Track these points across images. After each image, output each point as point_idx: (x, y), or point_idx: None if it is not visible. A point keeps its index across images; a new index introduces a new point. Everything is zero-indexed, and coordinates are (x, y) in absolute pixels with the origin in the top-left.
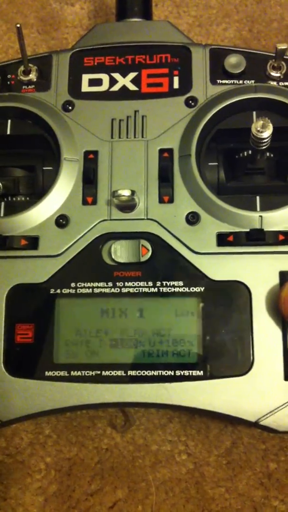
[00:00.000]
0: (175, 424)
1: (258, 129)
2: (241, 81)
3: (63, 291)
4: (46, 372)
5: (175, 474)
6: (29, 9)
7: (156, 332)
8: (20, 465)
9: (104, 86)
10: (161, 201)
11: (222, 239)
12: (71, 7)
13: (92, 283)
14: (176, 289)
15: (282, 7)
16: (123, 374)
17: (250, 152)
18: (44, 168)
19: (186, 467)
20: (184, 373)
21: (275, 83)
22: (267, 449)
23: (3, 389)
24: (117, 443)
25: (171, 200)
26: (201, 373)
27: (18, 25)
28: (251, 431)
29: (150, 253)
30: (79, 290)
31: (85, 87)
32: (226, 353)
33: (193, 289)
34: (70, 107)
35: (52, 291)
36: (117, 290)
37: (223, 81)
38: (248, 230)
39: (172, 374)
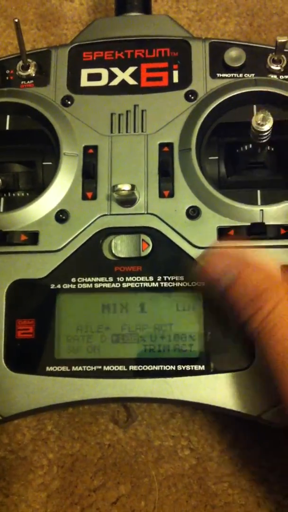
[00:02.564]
0: (177, 420)
1: (259, 122)
2: (241, 75)
3: (63, 286)
4: (47, 368)
5: (178, 469)
6: (28, 5)
7: (158, 327)
8: (23, 461)
9: (103, 81)
10: (161, 195)
11: (223, 233)
12: (70, 3)
13: (92, 278)
14: (177, 284)
15: (283, 1)
16: (125, 369)
17: (250, 146)
18: (43, 163)
19: (189, 463)
20: (185, 367)
21: (275, 76)
22: (270, 444)
23: (5, 384)
24: (119, 438)
25: (171, 195)
26: (203, 367)
27: (16, 20)
28: (254, 425)
29: (150, 248)
30: (80, 285)
31: (84, 82)
32: (227, 347)
33: (194, 284)
34: (69, 102)
35: (52, 286)
36: (117, 285)
37: (223, 75)
38: (249, 224)
39: (174, 368)
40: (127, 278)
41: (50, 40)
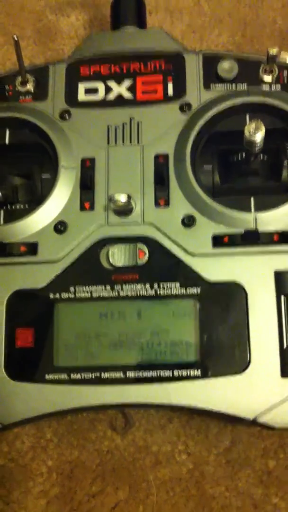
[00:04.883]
0: (174, 424)
1: (251, 131)
2: (234, 85)
3: (62, 296)
4: (47, 376)
5: (175, 474)
6: (26, 21)
7: (154, 333)
8: (22, 469)
9: (100, 95)
10: (157, 204)
11: (218, 240)
12: (67, 18)
13: (90, 287)
14: (173, 291)
15: (275, 11)
16: (123, 375)
17: (244, 154)
18: (42, 175)
19: (186, 467)
20: (182, 373)
21: (267, 86)
22: (266, 447)
23: (4, 393)
24: (117, 444)
25: (167, 204)
26: (199, 372)
27: (15, 37)
28: (249, 429)
29: (147, 256)
30: (78, 294)
31: (82, 96)
32: (223, 352)
33: (190, 291)
34: (67, 116)
35: (51, 296)
36: (115, 293)
37: (217, 86)
38: (243, 230)
39: (171, 374)
40: (124, 286)
41: (48, 55)
